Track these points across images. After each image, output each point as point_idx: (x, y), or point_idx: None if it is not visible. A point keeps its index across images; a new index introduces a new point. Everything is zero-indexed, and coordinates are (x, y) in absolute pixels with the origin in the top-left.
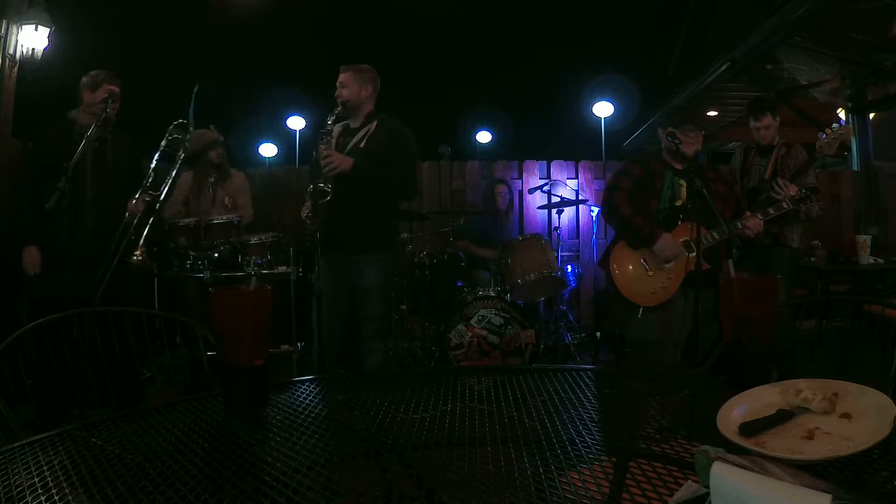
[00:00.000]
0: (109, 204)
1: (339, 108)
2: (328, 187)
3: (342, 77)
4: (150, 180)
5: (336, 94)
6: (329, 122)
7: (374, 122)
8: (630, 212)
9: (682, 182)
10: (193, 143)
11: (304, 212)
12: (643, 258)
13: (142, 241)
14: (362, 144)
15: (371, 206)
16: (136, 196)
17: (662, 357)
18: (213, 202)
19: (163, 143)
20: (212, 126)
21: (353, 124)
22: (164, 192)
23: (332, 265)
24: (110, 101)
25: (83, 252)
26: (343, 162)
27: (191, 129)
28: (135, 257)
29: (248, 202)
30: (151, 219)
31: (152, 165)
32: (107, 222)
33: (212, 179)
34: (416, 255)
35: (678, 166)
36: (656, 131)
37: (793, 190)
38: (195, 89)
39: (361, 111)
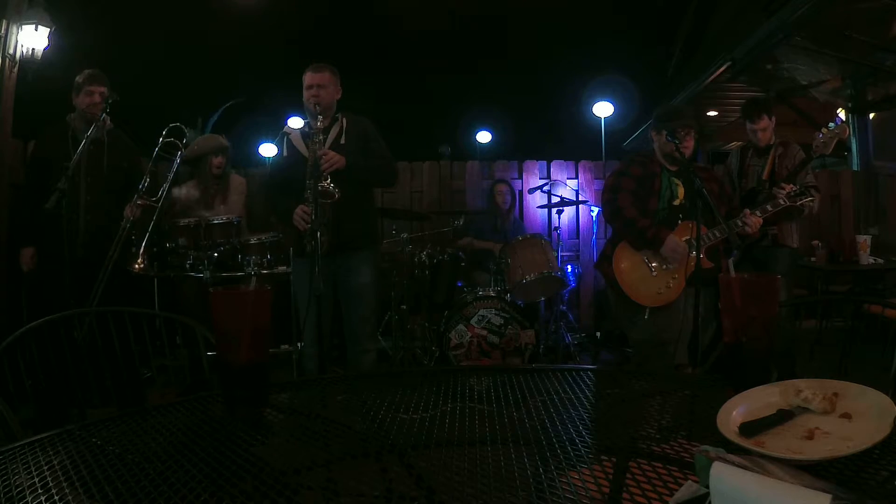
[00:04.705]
0: (104, 206)
1: (318, 110)
2: (335, 187)
3: (318, 78)
4: (145, 184)
5: (312, 94)
6: (318, 123)
7: (343, 119)
8: (634, 213)
9: (678, 182)
10: (200, 145)
11: (298, 217)
12: (646, 258)
13: (142, 250)
14: (342, 141)
15: (361, 202)
16: (132, 201)
17: (668, 357)
18: (212, 211)
19: (157, 147)
20: (223, 135)
21: (321, 124)
22: (162, 197)
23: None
24: (106, 108)
25: (78, 254)
26: (339, 159)
27: (204, 133)
28: (136, 266)
29: (238, 199)
30: (151, 226)
31: (147, 169)
32: (102, 225)
33: (212, 191)
34: (416, 255)
35: (672, 167)
36: (650, 133)
37: (789, 187)
38: (228, 103)
39: (331, 111)
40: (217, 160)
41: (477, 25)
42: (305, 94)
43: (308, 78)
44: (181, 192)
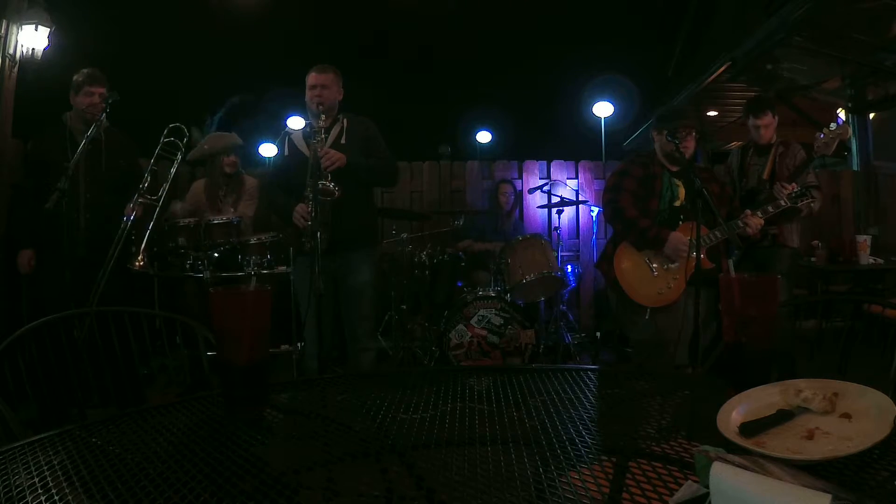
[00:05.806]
0: (103, 206)
1: (320, 110)
2: (335, 186)
3: (322, 79)
4: (146, 184)
5: (315, 94)
6: (321, 123)
7: (344, 119)
8: (636, 213)
9: (679, 183)
10: (211, 144)
11: (298, 215)
12: (647, 259)
13: (143, 248)
14: (343, 141)
15: (361, 201)
16: (133, 200)
17: (669, 357)
18: (220, 213)
19: (158, 147)
20: (234, 132)
21: (322, 124)
22: (163, 196)
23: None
24: (106, 108)
25: (79, 254)
26: (340, 158)
27: (211, 131)
28: (137, 264)
29: (248, 208)
30: (151, 224)
31: (148, 169)
32: (101, 224)
33: (222, 192)
34: (416, 255)
35: (673, 168)
36: (651, 133)
37: (790, 187)
38: (234, 99)
39: (333, 111)
40: (230, 159)
41: (477, 25)
42: (308, 94)
43: (312, 78)
44: (182, 203)
